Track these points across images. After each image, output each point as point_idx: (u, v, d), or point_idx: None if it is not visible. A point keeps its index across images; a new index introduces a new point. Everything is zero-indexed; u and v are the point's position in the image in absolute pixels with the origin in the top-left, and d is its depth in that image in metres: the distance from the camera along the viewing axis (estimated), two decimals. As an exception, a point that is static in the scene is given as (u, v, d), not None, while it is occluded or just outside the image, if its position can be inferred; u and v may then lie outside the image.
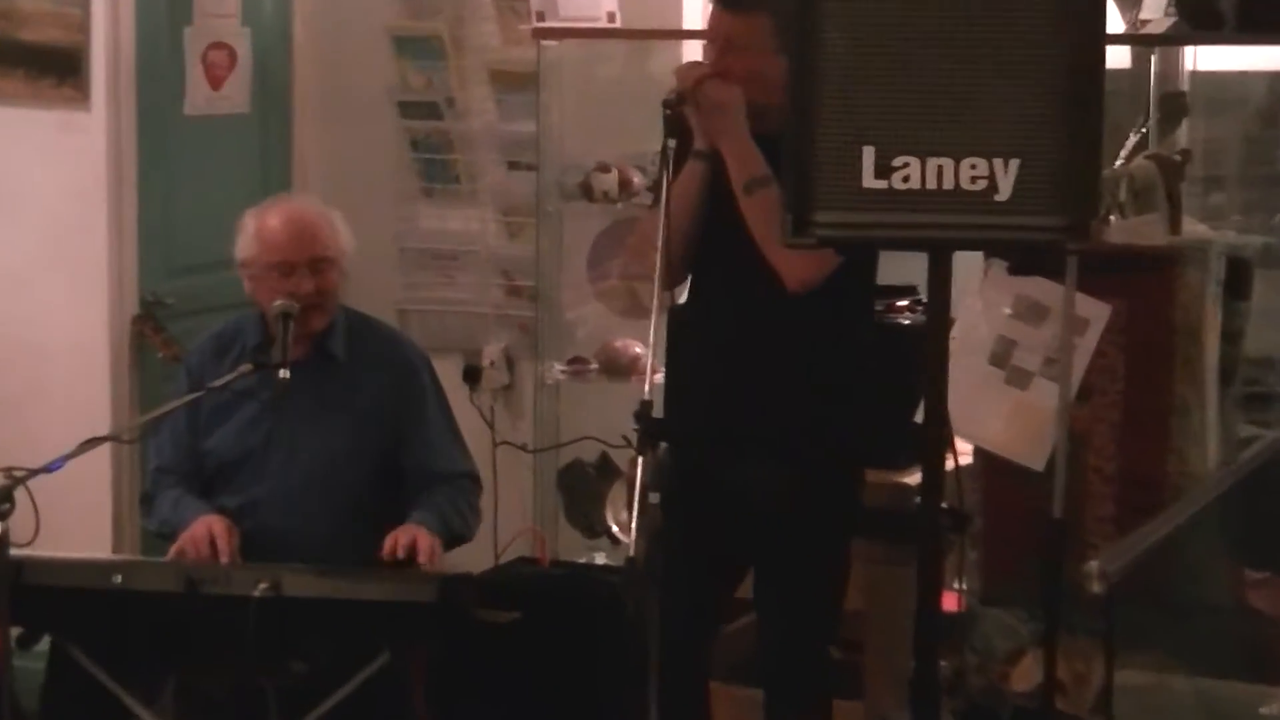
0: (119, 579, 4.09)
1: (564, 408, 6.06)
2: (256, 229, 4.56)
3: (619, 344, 5.90)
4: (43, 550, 4.05)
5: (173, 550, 4.40)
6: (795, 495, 4.12)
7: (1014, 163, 2.98)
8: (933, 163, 2.99)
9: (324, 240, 4.53)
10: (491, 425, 5.95)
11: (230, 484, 4.56)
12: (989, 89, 2.97)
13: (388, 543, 4.32)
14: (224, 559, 4.32)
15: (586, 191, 5.90)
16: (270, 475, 4.54)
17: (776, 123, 3.45)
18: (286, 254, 4.49)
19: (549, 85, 5.93)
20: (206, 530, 4.36)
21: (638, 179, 5.86)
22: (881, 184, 3.00)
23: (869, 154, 2.99)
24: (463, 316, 6.20)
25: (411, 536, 4.34)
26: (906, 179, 2.99)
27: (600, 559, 5.94)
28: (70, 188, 5.70)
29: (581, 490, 6.05)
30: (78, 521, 5.19)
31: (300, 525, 4.47)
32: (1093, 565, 3.47)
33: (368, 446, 4.56)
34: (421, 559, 4.31)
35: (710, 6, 4.22)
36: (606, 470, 5.98)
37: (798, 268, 4.00)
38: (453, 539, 4.52)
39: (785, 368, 4.14)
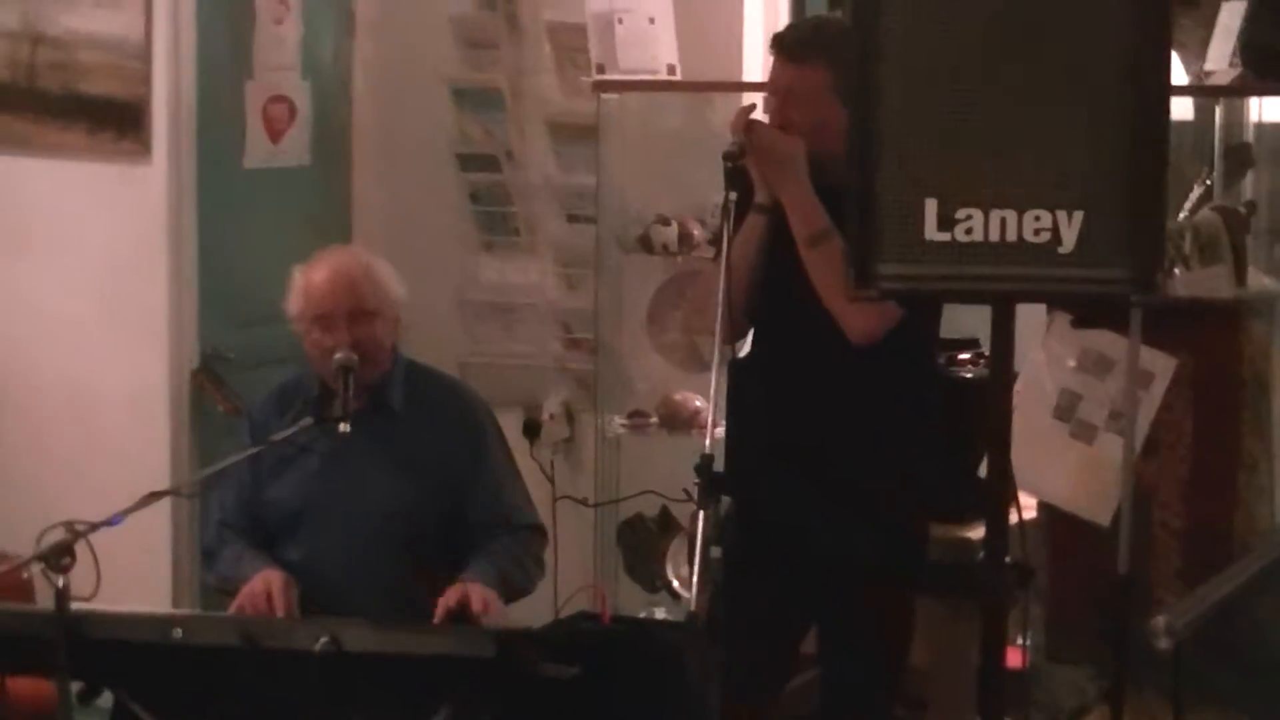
0: (179, 633, 4.07)
1: (624, 461, 6.04)
2: (303, 284, 4.58)
3: (679, 397, 5.88)
4: (103, 604, 4.05)
5: (232, 606, 4.39)
6: (862, 551, 4.08)
7: (1078, 214, 2.95)
8: (996, 214, 2.96)
9: (362, 292, 4.52)
10: (551, 479, 5.93)
11: (292, 537, 4.56)
12: (1053, 140, 2.94)
13: (439, 607, 4.30)
14: (279, 614, 4.30)
15: (646, 244, 5.88)
16: (331, 528, 4.53)
17: (839, 174, 3.43)
18: (324, 307, 4.50)
19: (608, 137, 5.93)
20: (265, 586, 4.35)
21: (698, 232, 5.84)
22: (944, 236, 2.97)
23: (931, 206, 2.97)
24: (523, 370, 6.19)
25: (461, 593, 4.32)
26: (969, 231, 2.96)
27: (660, 614, 5.91)
28: (130, 240, 5.72)
29: (642, 545, 6.03)
30: (137, 576, 5.19)
31: (362, 578, 4.46)
32: (1160, 621, 3.43)
33: (427, 498, 4.54)
34: (476, 608, 4.29)
35: (771, 58, 4.19)
36: (667, 524, 5.95)
37: (861, 320, 3.97)
38: (512, 591, 4.49)
39: (850, 422, 4.10)
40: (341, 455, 4.48)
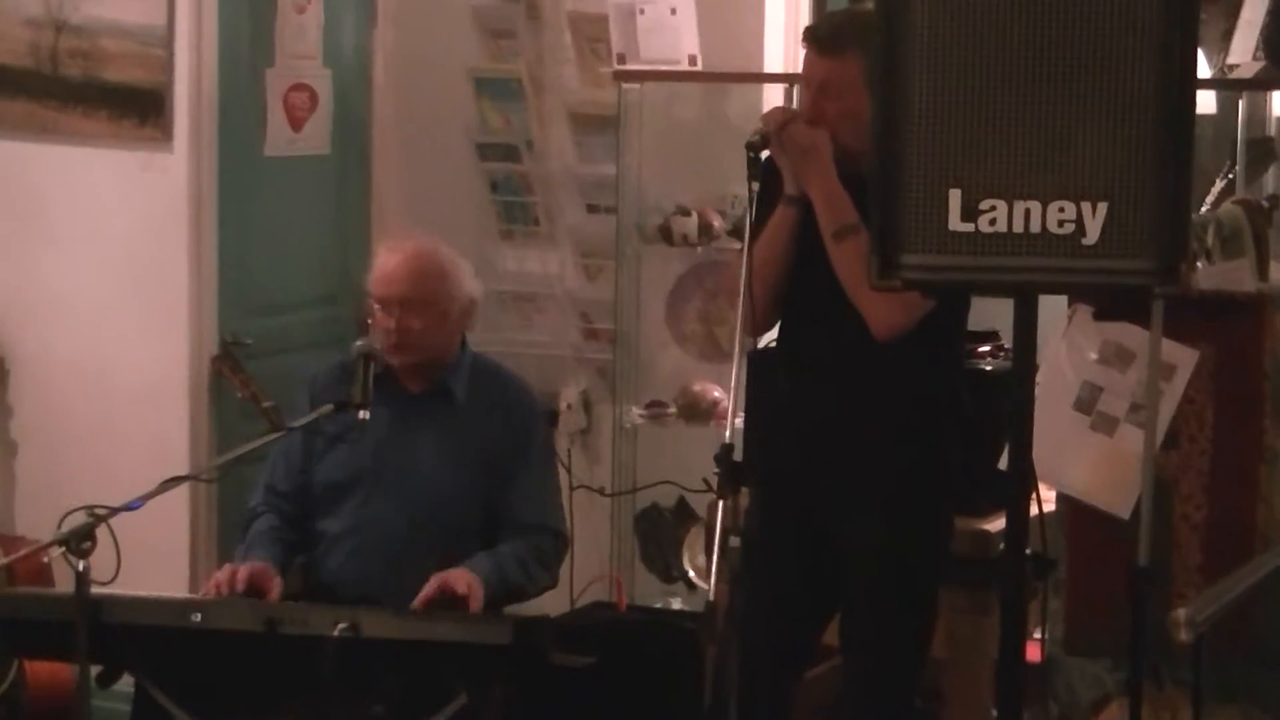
0: (198, 617, 4.09)
1: (642, 451, 6.04)
2: (378, 263, 4.68)
3: (698, 387, 5.88)
4: (122, 589, 4.05)
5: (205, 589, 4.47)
6: (886, 543, 4.07)
7: (1102, 206, 2.93)
8: (1020, 205, 2.95)
9: (423, 285, 4.59)
10: (568, 469, 5.93)
11: (335, 509, 4.63)
12: (1077, 132, 2.93)
13: (421, 595, 4.33)
14: (239, 588, 4.35)
15: (666, 234, 5.88)
16: (375, 504, 4.60)
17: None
18: (385, 290, 4.60)
19: (629, 127, 5.93)
20: (229, 575, 4.39)
21: (718, 222, 5.84)
22: (968, 226, 2.96)
23: (955, 196, 2.96)
24: (541, 359, 6.18)
25: (441, 582, 4.34)
26: (993, 221, 2.95)
27: (676, 604, 5.91)
28: (151, 227, 5.73)
29: (658, 534, 6.03)
30: (155, 561, 5.20)
31: (395, 556, 4.51)
32: (1180, 613, 3.42)
33: (472, 488, 4.60)
34: (459, 590, 4.31)
35: (803, 49, 4.18)
36: (684, 514, 5.95)
37: (886, 314, 3.96)
38: (508, 590, 4.51)
39: (873, 415, 4.09)
40: (398, 435, 4.60)
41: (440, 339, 4.63)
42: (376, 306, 4.62)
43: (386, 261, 4.65)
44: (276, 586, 4.40)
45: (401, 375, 4.64)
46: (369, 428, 4.55)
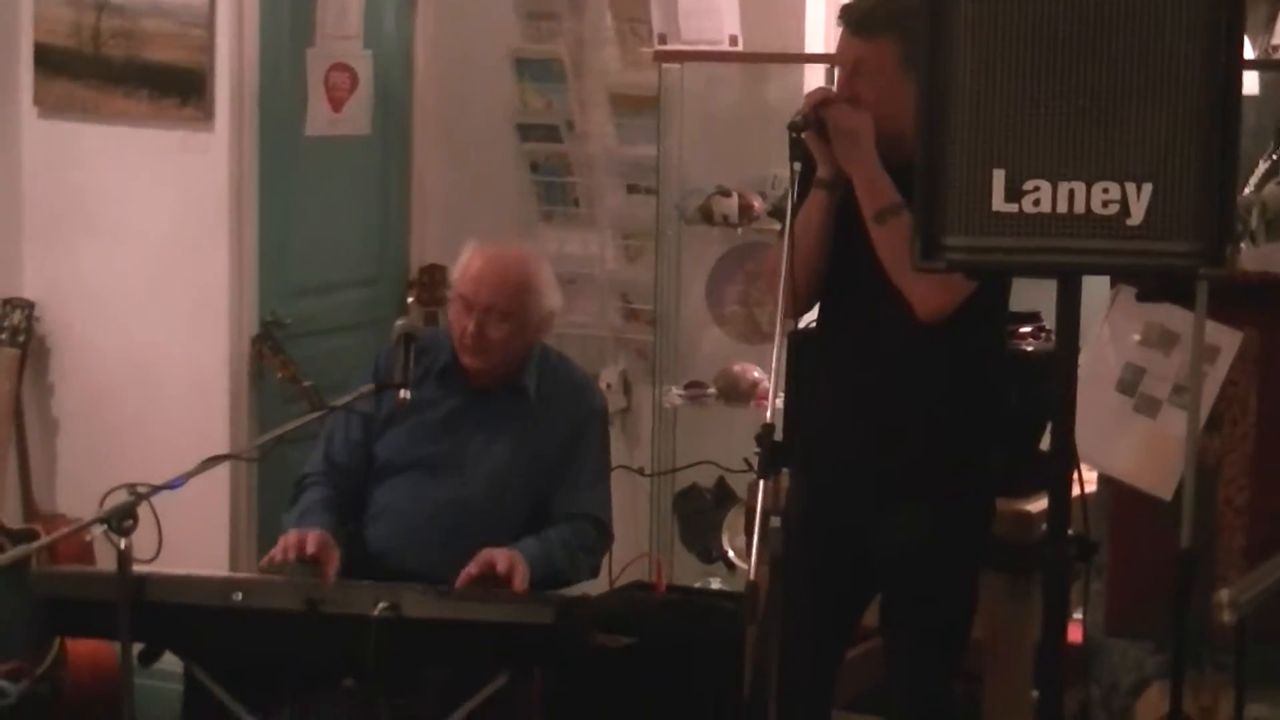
0: (239, 597, 4.10)
1: (681, 432, 6.04)
2: (465, 261, 4.65)
3: (738, 368, 5.87)
4: (163, 568, 4.07)
5: (265, 558, 4.44)
6: (928, 529, 4.06)
7: (1147, 187, 2.92)
8: (1064, 186, 2.93)
9: (505, 295, 4.56)
10: (609, 455, 5.93)
11: (390, 483, 4.63)
12: (1122, 112, 2.91)
13: (466, 571, 4.32)
14: (308, 551, 4.33)
15: (707, 216, 5.88)
16: (431, 481, 4.59)
17: (905, 150, 3.41)
18: (467, 290, 4.58)
19: (669, 108, 5.92)
20: (299, 542, 4.37)
21: (758, 204, 5.83)
22: (1012, 207, 2.95)
23: (999, 177, 2.94)
24: (580, 340, 6.18)
25: (487, 560, 4.33)
26: (1037, 202, 2.94)
27: (716, 584, 5.91)
28: (191, 207, 5.74)
29: (698, 515, 6.03)
30: (195, 540, 5.21)
31: (441, 536, 4.51)
32: (1223, 595, 3.41)
33: (530, 480, 4.60)
34: (500, 568, 4.30)
35: (839, 30, 4.16)
36: (723, 495, 5.96)
37: (929, 295, 3.94)
38: (552, 575, 4.50)
39: (914, 398, 4.08)
40: (462, 420, 4.62)
41: (516, 348, 4.62)
42: (456, 304, 4.61)
43: (474, 261, 4.62)
44: (335, 559, 4.38)
45: (471, 373, 4.63)
46: (435, 410, 4.58)
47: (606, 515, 4.70)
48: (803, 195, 4.00)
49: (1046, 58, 2.91)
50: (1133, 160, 2.91)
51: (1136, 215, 2.92)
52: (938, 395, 4.07)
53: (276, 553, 4.38)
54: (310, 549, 4.33)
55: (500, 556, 4.32)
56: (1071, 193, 2.93)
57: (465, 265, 4.64)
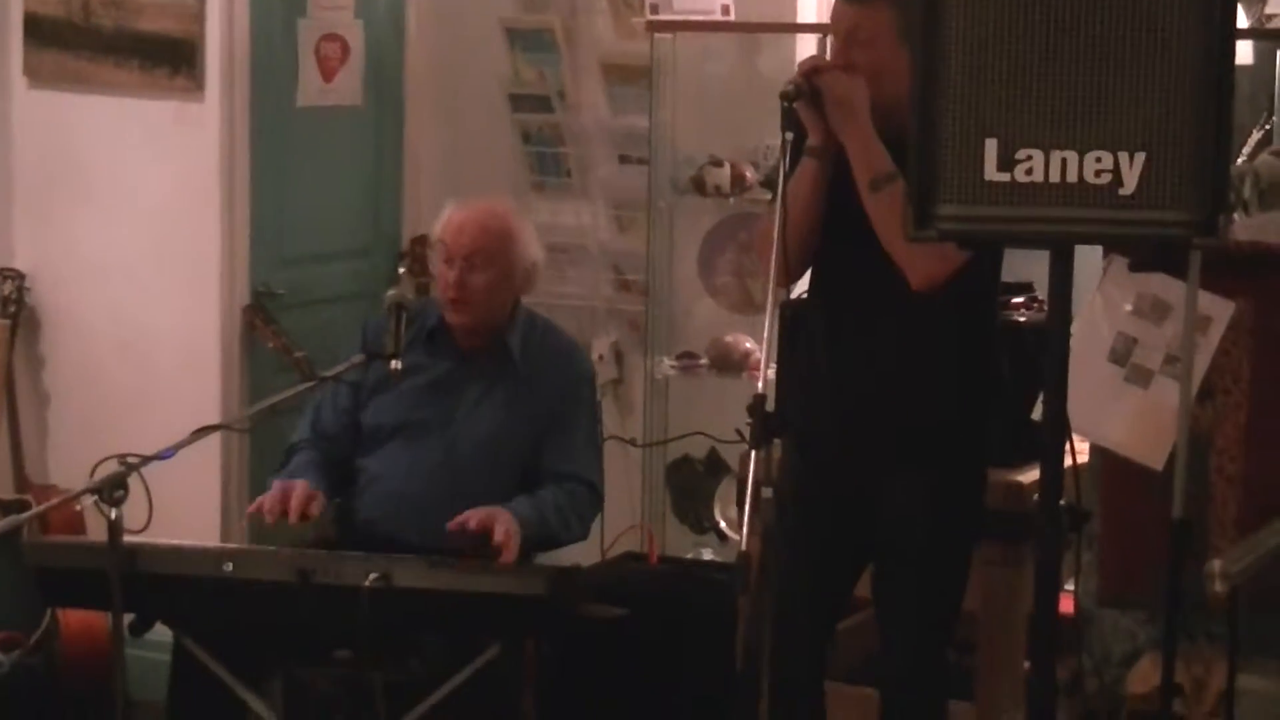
0: (230, 567, 4.10)
1: (673, 403, 6.03)
2: (448, 215, 4.71)
3: (730, 339, 5.86)
4: (154, 538, 4.06)
5: (251, 506, 4.47)
6: (920, 500, 4.06)
7: (1140, 156, 2.91)
8: (1056, 155, 2.93)
9: (486, 244, 4.61)
10: (599, 420, 5.92)
11: (378, 449, 4.65)
12: (1115, 81, 2.91)
13: (461, 517, 4.31)
14: (292, 518, 4.37)
15: (699, 186, 5.86)
16: (418, 445, 4.61)
17: (899, 119, 3.40)
18: (453, 239, 4.63)
19: (662, 78, 5.91)
20: (283, 490, 4.41)
21: (750, 173, 5.82)
22: (1004, 177, 2.94)
23: (992, 146, 2.94)
24: (572, 311, 6.16)
25: (488, 517, 4.33)
26: (1030, 171, 2.94)
27: (707, 555, 5.91)
28: (183, 178, 5.73)
29: (690, 486, 6.03)
30: (186, 511, 5.20)
31: (430, 499, 4.51)
32: (1215, 564, 3.41)
33: (519, 443, 4.62)
34: (496, 538, 4.30)
35: (833, -1, 4.15)
36: (715, 466, 5.95)
37: (924, 264, 3.91)
38: (545, 537, 4.51)
39: (907, 368, 4.07)
40: (450, 383, 4.64)
41: (499, 299, 4.65)
42: (440, 260, 4.66)
43: (456, 215, 4.68)
44: (319, 505, 4.41)
45: (457, 333, 4.64)
46: (422, 375, 4.59)
47: (598, 478, 4.71)
48: (794, 165, 3.99)
49: (1040, 26, 2.90)
50: (1126, 129, 2.91)
51: (1129, 185, 2.92)
52: (931, 364, 4.06)
53: (264, 502, 4.39)
54: (295, 504, 4.36)
55: (499, 524, 4.30)
56: (1064, 162, 2.93)
57: (446, 219, 4.69)
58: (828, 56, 4.20)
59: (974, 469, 4.17)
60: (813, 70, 3.98)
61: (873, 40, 3.99)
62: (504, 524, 4.31)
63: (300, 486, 4.41)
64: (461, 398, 4.64)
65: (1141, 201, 2.92)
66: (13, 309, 5.73)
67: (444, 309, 4.64)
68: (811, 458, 4.15)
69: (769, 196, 5.18)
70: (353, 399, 4.68)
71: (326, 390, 4.64)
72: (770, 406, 3.51)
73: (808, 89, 3.94)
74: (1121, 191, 2.92)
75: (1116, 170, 2.92)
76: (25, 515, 4.30)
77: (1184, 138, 2.90)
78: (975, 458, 4.17)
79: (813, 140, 4.04)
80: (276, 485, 4.45)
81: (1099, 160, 2.92)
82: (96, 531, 4.45)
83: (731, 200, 5.86)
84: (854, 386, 4.11)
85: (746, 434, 3.49)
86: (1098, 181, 2.92)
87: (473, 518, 4.31)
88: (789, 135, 3.81)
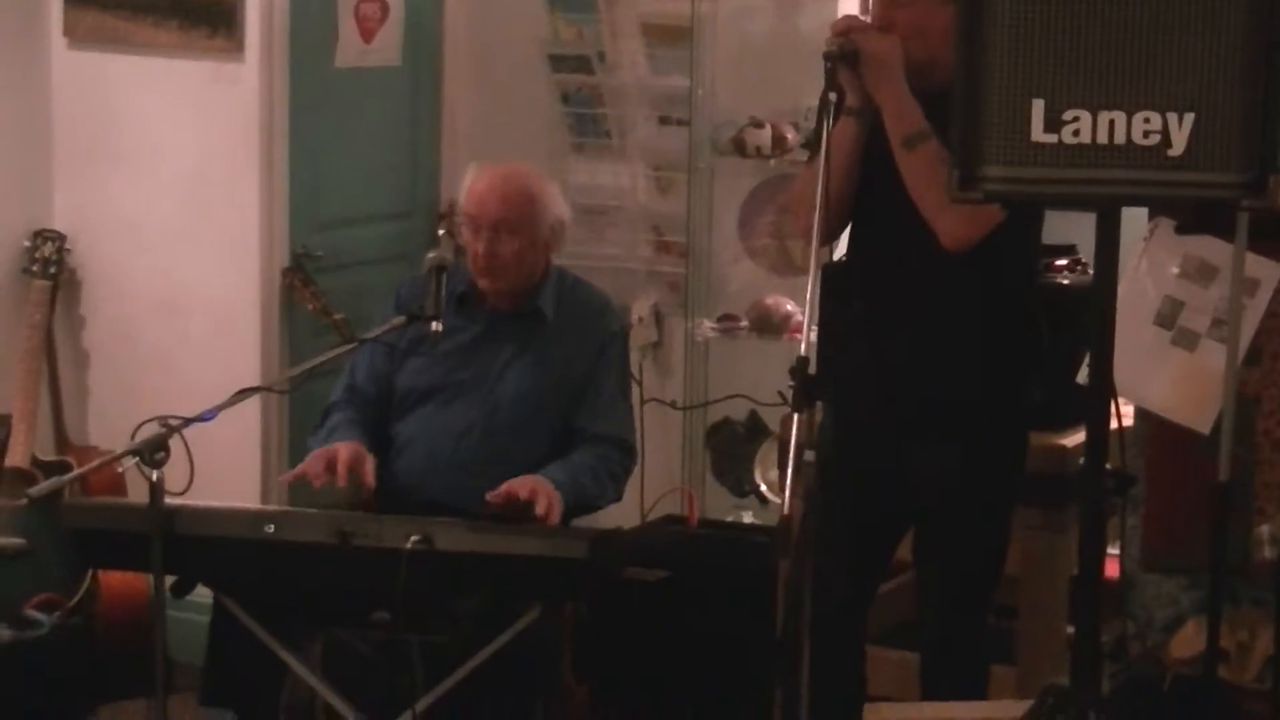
0: (271, 529, 4.09)
1: (713, 365, 6.02)
2: (468, 184, 4.69)
3: (770, 301, 5.84)
4: (194, 500, 4.06)
5: (296, 470, 4.46)
6: (961, 464, 4.03)
7: (1189, 117, 2.89)
8: (1104, 116, 2.91)
9: (512, 210, 4.60)
10: (639, 382, 5.90)
11: (413, 411, 4.65)
12: (1164, 41, 2.88)
13: (503, 488, 4.30)
14: (340, 482, 4.36)
15: (739, 147, 5.84)
16: (453, 408, 4.62)
17: (941, 79, 3.36)
18: (474, 211, 4.62)
19: (702, 39, 5.88)
20: (330, 453, 4.41)
21: (791, 135, 5.79)
22: (1051, 138, 2.93)
23: (1039, 107, 2.93)
24: (612, 273, 6.14)
25: (532, 488, 4.32)
26: (1077, 133, 2.92)
27: (748, 518, 5.90)
28: (222, 139, 5.71)
29: (730, 449, 6.02)
30: (226, 473, 5.22)
31: (465, 459, 4.53)
32: (1264, 530, 3.39)
33: (552, 403, 4.62)
34: (539, 510, 4.29)
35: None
36: (756, 429, 5.93)
37: (955, 226, 3.89)
38: (581, 500, 4.50)
39: (948, 331, 4.04)
40: (483, 346, 4.64)
41: (529, 263, 4.65)
42: (466, 228, 4.65)
43: (478, 181, 4.66)
44: (371, 466, 4.42)
45: (489, 296, 4.64)
46: (455, 339, 4.58)
47: (631, 436, 4.72)
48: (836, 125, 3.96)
49: (1087, -14, 2.87)
50: (1175, 90, 2.89)
51: (1178, 146, 2.90)
52: (968, 327, 4.04)
53: (308, 469, 4.39)
54: (342, 469, 4.35)
55: (541, 495, 4.30)
56: (1112, 123, 2.91)
57: (468, 188, 4.68)
58: (868, 17, 4.17)
59: (1013, 433, 4.14)
60: (847, 29, 3.96)
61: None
62: (546, 495, 4.31)
63: (346, 449, 4.40)
64: (495, 360, 4.64)
65: (1190, 163, 2.90)
66: (53, 270, 5.73)
67: (476, 275, 4.63)
68: (851, 422, 4.13)
69: (805, 158, 5.15)
70: (389, 360, 4.67)
71: (364, 351, 4.63)
72: (812, 370, 3.50)
73: (851, 48, 3.92)
74: (1170, 153, 2.90)
75: (1165, 131, 2.90)
76: (68, 477, 4.30)
77: (1233, 98, 2.88)
78: (1014, 422, 4.14)
79: (851, 100, 4.01)
80: (319, 452, 4.44)
81: (1147, 121, 2.90)
82: (137, 493, 4.46)
83: (772, 162, 5.84)
84: (891, 351, 4.08)
85: (788, 396, 3.47)
86: (1146, 143, 2.90)
87: (521, 488, 4.30)
88: (833, 96, 3.77)
